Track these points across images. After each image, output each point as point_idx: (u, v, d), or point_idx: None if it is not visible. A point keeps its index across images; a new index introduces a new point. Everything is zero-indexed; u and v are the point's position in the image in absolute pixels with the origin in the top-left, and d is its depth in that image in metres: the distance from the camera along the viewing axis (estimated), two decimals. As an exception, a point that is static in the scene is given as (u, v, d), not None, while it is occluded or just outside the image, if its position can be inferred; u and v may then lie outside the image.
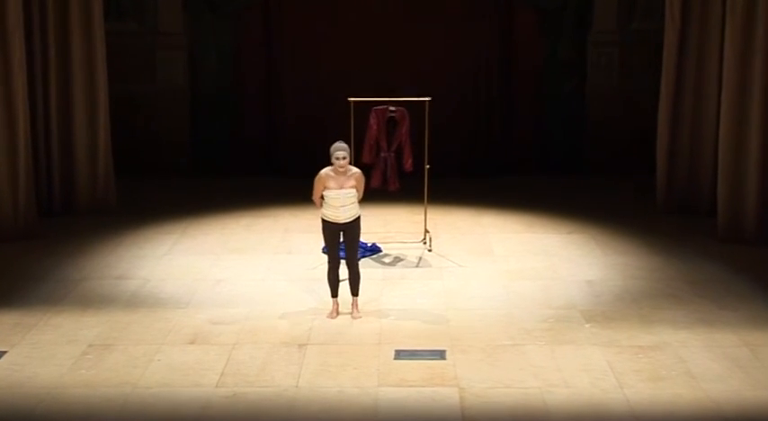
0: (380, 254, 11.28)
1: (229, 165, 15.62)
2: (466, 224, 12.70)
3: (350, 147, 9.35)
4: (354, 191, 9.12)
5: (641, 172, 14.30)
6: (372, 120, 11.15)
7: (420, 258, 11.17)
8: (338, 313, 9.26)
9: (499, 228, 12.46)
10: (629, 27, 15.44)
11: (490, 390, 7.61)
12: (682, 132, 12.82)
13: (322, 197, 9.13)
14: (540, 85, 15.76)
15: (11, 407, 7.40)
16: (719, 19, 12.04)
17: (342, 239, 9.22)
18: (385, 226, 12.42)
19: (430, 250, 11.39)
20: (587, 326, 8.99)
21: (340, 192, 9.05)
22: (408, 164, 11.24)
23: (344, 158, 9.05)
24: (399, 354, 8.32)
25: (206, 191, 14.56)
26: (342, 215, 9.11)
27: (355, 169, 9.20)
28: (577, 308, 9.49)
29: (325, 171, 9.13)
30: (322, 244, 9.61)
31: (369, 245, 11.19)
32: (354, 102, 11.20)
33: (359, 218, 9.23)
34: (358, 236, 9.31)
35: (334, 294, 9.30)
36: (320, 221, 9.23)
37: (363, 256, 10.64)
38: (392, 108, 11.15)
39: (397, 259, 11.15)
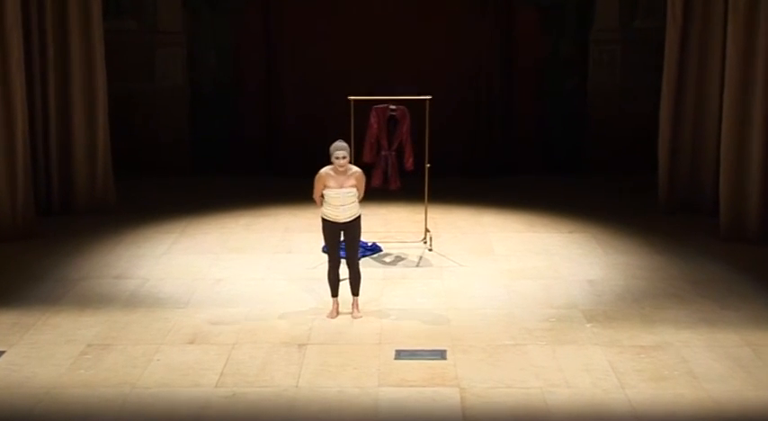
0: (381, 253, 11.25)
1: (229, 164, 15.59)
2: (467, 223, 12.67)
3: (350, 145, 9.32)
4: (354, 190, 9.08)
5: (643, 171, 14.26)
6: (373, 119, 11.11)
7: (421, 258, 11.13)
8: (338, 313, 9.22)
9: (500, 228, 12.43)
10: (631, 25, 15.42)
11: (491, 390, 7.58)
12: (684, 131, 12.80)
13: (322, 196, 9.10)
14: (541, 84, 15.74)
15: (9, 407, 7.37)
16: (722, 17, 12.01)
17: (342, 239, 9.19)
18: (385, 225, 12.40)
19: (430, 249, 11.35)
20: (589, 325, 8.96)
21: (340, 191, 9.01)
22: (409, 163, 11.20)
23: (344, 158, 9.01)
24: (400, 354, 8.29)
25: (205, 190, 14.54)
26: (342, 214, 9.07)
27: (356, 168, 9.17)
28: (579, 307, 9.45)
29: (326, 170, 9.10)
30: (322, 243, 9.58)
31: (369, 244, 11.15)
32: (355, 100, 11.16)
33: (359, 217, 9.20)
34: (358, 235, 9.27)
35: (335, 294, 9.26)
36: (320, 220, 9.20)
37: (364, 256, 10.60)
38: (393, 106, 11.11)
39: (398, 259, 11.11)
